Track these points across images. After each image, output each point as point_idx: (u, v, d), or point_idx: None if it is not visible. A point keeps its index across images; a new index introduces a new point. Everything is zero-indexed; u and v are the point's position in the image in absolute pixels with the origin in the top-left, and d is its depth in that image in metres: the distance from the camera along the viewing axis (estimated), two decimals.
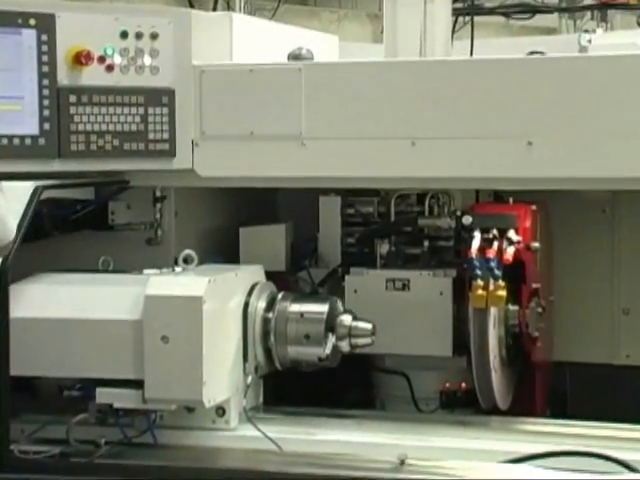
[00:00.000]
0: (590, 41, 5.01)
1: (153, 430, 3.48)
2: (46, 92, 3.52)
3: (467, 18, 4.84)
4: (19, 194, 3.50)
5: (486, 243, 3.69)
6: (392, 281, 3.92)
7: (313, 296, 3.86)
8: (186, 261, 3.55)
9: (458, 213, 3.88)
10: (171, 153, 3.74)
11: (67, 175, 3.64)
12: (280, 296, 3.67)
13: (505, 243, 3.69)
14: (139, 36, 3.68)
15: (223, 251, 4.06)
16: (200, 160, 3.77)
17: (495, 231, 3.71)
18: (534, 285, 3.91)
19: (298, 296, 3.73)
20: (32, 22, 3.50)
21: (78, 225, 3.96)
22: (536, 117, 3.47)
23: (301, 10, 14.09)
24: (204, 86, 3.74)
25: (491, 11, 6.44)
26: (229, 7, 9.19)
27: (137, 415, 3.46)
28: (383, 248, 4.03)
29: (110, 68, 3.64)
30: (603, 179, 3.51)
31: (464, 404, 3.92)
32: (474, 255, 3.65)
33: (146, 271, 3.66)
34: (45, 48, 3.52)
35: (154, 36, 3.70)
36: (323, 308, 3.64)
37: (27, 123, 3.51)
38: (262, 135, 3.70)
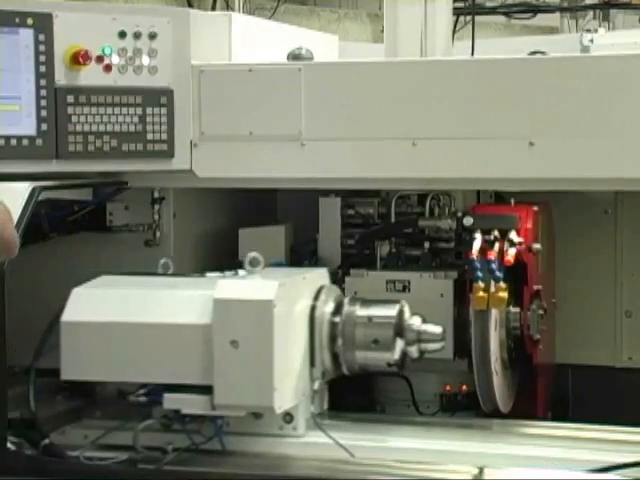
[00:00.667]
0: (592, 41, 5.00)
1: (222, 437, 3.40)
2: (43, 92, 3.50)
3: (468, 18, 4.82)
4: (16, 195, 3.47)
5: (487, 244, 3.66)
6: (392, 282, 3.88)
7: (381, 300, 3.72)
8: (252, 264, 3.46)
9: (459, 214, 3.84)
10: (169, 154, 3.71)
11: (65, 176, 3.62)
12: (347, 300, 3.59)
13: (506, 244, 3.66)
14: (137, 36, 3.65)
15: (222, 253, 4.04)
16: (199, 161, 3.74)
17: (496, 232, 3.68)
18: (536, 287, 3.87)
19: (365, 300, 3.63)
20: (30, 21, 3.47)
21: (76, 226, 3.94)
22: (538, 117, 3.45)
23: (301, 9, 14.06)
24: (203, 86, 3.72)
25: (492, 11, 6.42)
26: (228, 6, 9.17)
27: (204, 421, 3.39)
28: (383, 249, 4.00)
29: (108, 68, 3.62)
30: (606, 180, 3.49)
31: (465, 407, 3.89)
32: (475, 257, 3.62)
33: (209, 274, 3.61)
34: (43, 48, 3.49)
35: (152, 36, 3.67)
36: (392, 312, 3.54)
37: (24, 123, 3.48)
38: (261, 135, 3.67)
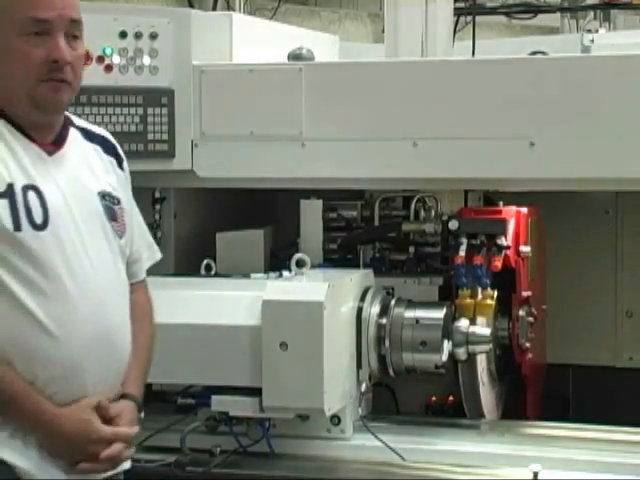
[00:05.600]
0: (593, 41, 4.99)
1: (269, 439, 3.38)
2: None
3: (469, 18, 4.81)
4: None
5: (474, 249, 3.59)
6: None
7: (428, 302, 3.67)
8: (298, 265, 3.42)
9: (444, 217, 3.69)
10: (170, 154, 3.71)
11: None
12: (393, 302, 3.54)
13: (494, 249, 3.59)
14: (138, 36, 3.66)
15: None
16: (200, 161, 3.75)
17: (483, 237, 3.60)
18: (525, 293, 3.81)
19: (412, 301, 3.58)
20: None
21: None
22: (539, 117, 3.44)
23: (301, 10, 14.06)
24: (204, 86, 3.72)
25: (493, 11, 6.41)
26: (229, 7, 9.16)
27: (251, 423, 3.37)
28: (367, 254, 3.90)
29: (109, 68, 3.62)
30: (606, 180, 3.49)
31: (452, 418, 3.74)
32: (460, 262, 3.56)
33: (253, 275, 3.61)
34: None
35: (153, 36, 3.67)
36: (439, 314, 3.50)
37: None
38: (262, 136, 3.67)
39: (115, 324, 2.53)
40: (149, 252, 2.83)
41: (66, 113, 2.61)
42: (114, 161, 2.69)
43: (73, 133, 2.60)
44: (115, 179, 2.66)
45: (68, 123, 2.59)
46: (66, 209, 2.46)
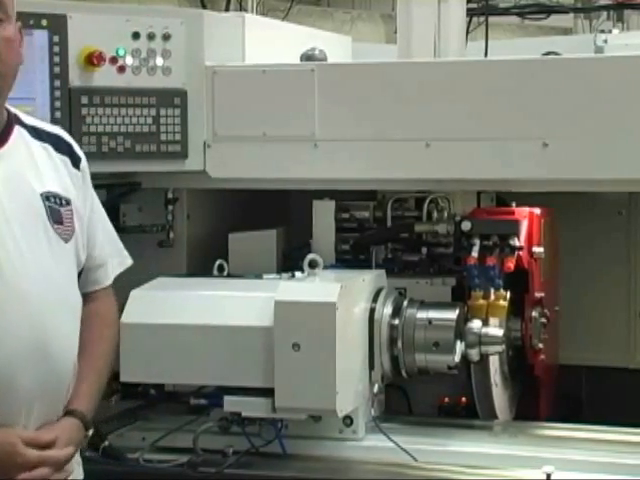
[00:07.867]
0: (606, 41, 4.98)
1: (282, 440, 3.39)
2: (58, 93, 3.51)
3: (481, 18, 4.81)
4: None
5: (486, 250, 3.58)
6: None
7: (440, 302, 3.66)
8: (311, 265, 3.43)
9: (457, 218, 3.68)
10: (183, 154, 3.72)
11: None
12: (406, 302, 3.54)
13: (506, 250, 3.58)
14: (151, 37, 3.66)
15: None
16: (212, 162, 3.75)
17: (496, 237, 3.59)
18: (538, 294, 3.80)
19: (425, 302, 3.58)
20: (44, 23, 3.48)
21: None
22: (551, 118, 3.44)
23: (314, 10, 14.07)
24: (216, 87, 3.72)
25: (506, 11, 6.40)
26: (242, 7, 9.17)
27: (263, 424, 3.37)
28: (379, 255, 3.89)
29: (122, 69, 3.62)
30: (619, 180, 3.48)
31: (464, 419, 3.74)
32: (473, 263, 3.56)
33: (265, 276, 3.62)
34: (57, 49, 3.50)
35: (166, 37, 3.68)
36: (452, 315, 3.50)
37: None
38: (275, 136, 3.68)
39: (54, 334, 2.37)
40: (118, 258, 2.74)
41: (14, 111, 2.53)
42: (68, 160, 2.59)
43: (18, 131, 2.50)
44: (68, 179, 2.55)
45: (14, 121, 2.50)
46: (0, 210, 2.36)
